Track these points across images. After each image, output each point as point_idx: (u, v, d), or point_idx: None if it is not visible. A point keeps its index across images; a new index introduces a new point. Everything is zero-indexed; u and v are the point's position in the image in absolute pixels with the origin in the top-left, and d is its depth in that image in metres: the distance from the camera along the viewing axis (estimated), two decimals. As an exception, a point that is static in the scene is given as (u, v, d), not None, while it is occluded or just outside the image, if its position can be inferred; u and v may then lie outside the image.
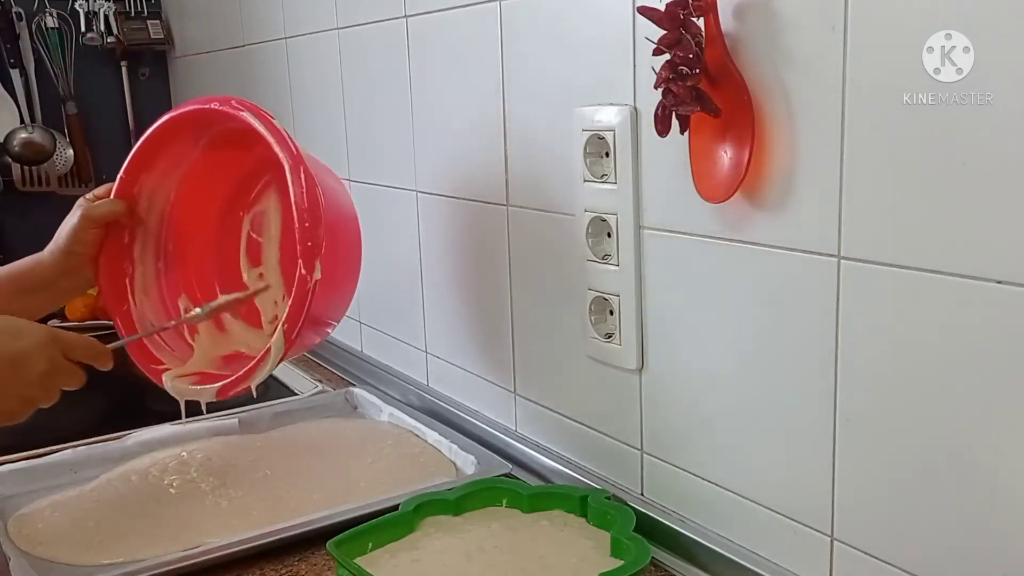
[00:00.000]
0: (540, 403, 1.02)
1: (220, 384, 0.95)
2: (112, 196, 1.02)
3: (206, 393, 0.96)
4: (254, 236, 1.12)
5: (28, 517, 0.94)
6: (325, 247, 0.90)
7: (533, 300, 1.01)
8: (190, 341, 1.06)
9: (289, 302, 0.91)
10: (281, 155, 0.92)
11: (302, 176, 0.91)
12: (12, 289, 1.01)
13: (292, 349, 0.92)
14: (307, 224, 0.90)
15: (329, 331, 1.07)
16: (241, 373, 0.94)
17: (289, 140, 0.94)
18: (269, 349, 0.91)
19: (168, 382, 0.99)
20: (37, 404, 0.86)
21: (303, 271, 0.89)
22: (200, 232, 1.12)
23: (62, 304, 1.09)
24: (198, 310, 1.00)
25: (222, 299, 1.02)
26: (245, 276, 1.12)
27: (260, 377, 0.93)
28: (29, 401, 0.85)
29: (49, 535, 0.90)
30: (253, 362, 0.93)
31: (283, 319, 0.91)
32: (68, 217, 1.01)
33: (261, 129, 0.95)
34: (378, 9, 1.21)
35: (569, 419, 0.98)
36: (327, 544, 0.81)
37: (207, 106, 0.99)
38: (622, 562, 0.78)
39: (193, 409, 1.00)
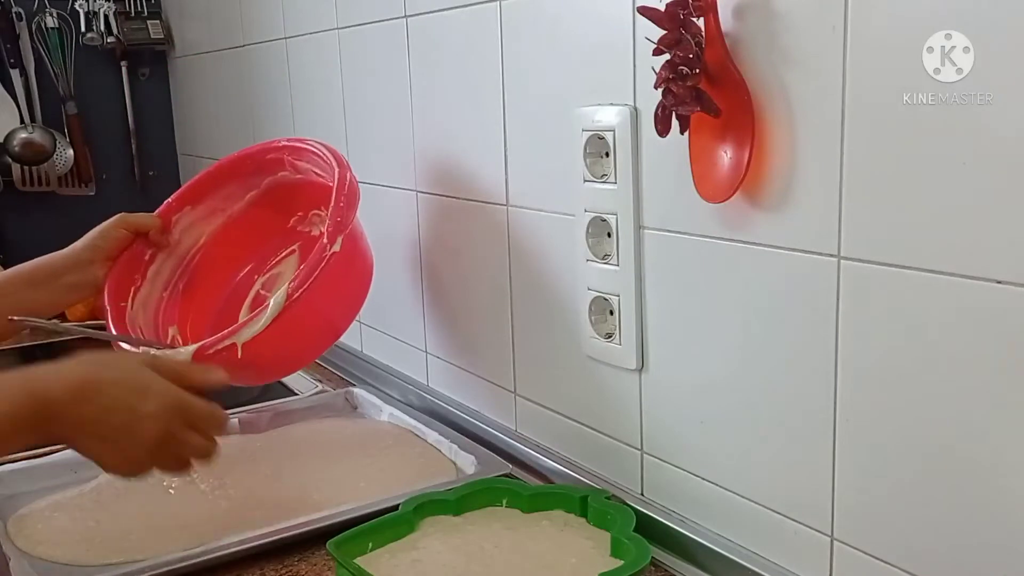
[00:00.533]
0: (540, 403, 1.02)
1: (198, 344, 0.92)
2: (155, 214, 1.09)
3: (182, 354, 0.92)
4: (263, 293, 1.16)
5: (27, 517, 0.94)
6: (346, 242, 0.94)
7: (533, 300, 1.01)
8: None
9: (303, 265, 0.93)
10: (332, 160, 1.01)
11: (348, 176, 0.99)
12: (22, 281, 1.02)
13: (288, 313, 0.90)
14: (342, 204, 0.96)
15: (321, 325, 1.04)
16: (231, 328, 0.92)
17: (342, 157, 1.03)
18: (267, 304, 0.91)
19: (149, 351, 0.97)
20: (148, 469, 0.78)
21: (326, 240, 0.93)
22: (216, 283, 1.16)
23: (68, 303, 1.10)
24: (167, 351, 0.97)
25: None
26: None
27: (251, 332, 0.90)
28: (137, 464, 0.78)
29: (49, 535, 0.91)
30: (248, 318, 0.92)
31: (293, 276, 0.93)
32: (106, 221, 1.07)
33: (320, 148, 1.04)
34: (378, 9, 1.21)
35: (569, 419, 0.98)
36: (327, 544, 0.81)
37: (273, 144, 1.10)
38: (622, 562, 0.78)
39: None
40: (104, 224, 1.06)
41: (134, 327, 1.06)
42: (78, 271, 1.04)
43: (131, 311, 1.07)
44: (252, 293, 1.17)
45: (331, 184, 1.00)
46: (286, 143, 1.10)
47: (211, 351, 0.91)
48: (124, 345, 1.00)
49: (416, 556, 0.82)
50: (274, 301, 0.91)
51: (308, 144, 1.08)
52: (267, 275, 1.18)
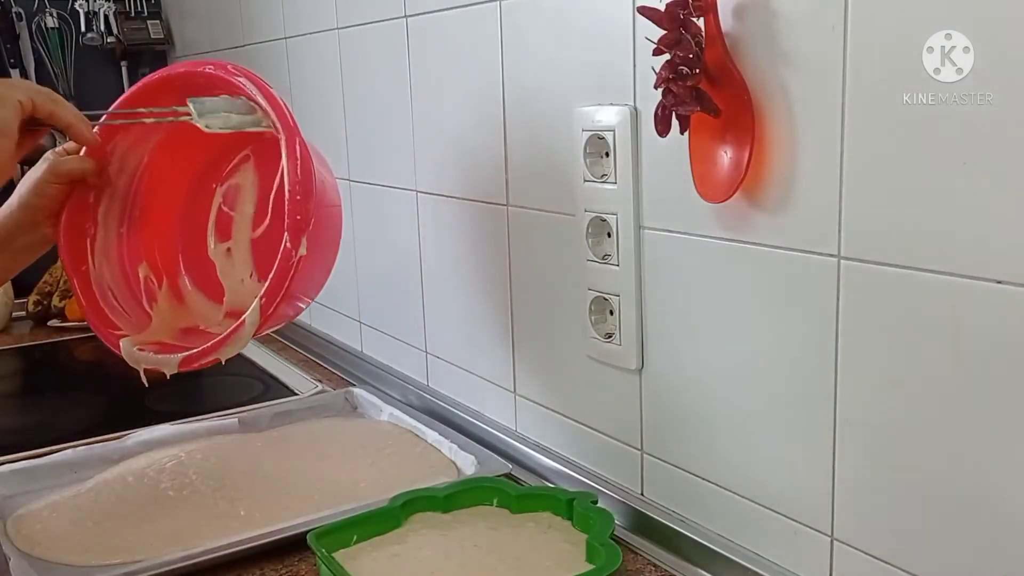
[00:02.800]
0: (540, 403, 1.02)
1: (184, 354, 0.90)
2: (83, 153, 0.96)
3: (169, 363, 0.91)
4: (225, 210, 1.08)
5: (26, 517, 0.94)
6: (312, 225, 0.87)
7: (533, 300, 1.01)
8: (148, 309, 1.02)
9: (271, 276, 0.87)
10: (278, 124, 0.89)
11: (297, 149, 0.87)
12: None
13: (266, 325, 0.89)
14: (298, 198, 0.86)
15: (302, 309, 1.02)
16: (209, 345, 0.89)
17: (287, 111, 0.90)
18: (243, 322, 0.87)
19: (126, 348, 0.94)
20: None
21: (288, 245, 0.86)
22: (168, 200, 1.05)
23: (22, 265, 1.00)
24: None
25: None
26: (212, 249, 1.07)
27: (230, 351, 0.89)
28: None
29: (48, 536, 0.90)
30: (224, 334, 0.89)
31: (262, 293, 0.87)
32: (33, 169, 0.96)
33: (258, 98, 0.90)
34: (378, 9, 1.21)
35: (569, 419, 0.98)
36: (308, 535, 0.81)
37: (199, 69, 0.95)
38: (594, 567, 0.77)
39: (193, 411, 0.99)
40: (35, 179, 0.95)
41: (102, 287, 1.00)
42: (26, 233, 0.96)
43: (95, 270, 1.00)
44: (215, 209, 1.08)
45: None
46: (213, 72, 0.94)
47: (196, 364, 0.90)
48: (126, 347, 0.95)
49: (397, 551, 0.82)
50: (249, 320, 0.87)
51: (240, 84, 0.92)
52: (225, 186, 1.07)
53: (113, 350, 0.95)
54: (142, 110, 0.97)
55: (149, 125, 0.99)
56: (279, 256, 0.86)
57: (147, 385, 0.94)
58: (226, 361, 0.90)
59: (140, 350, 0.94)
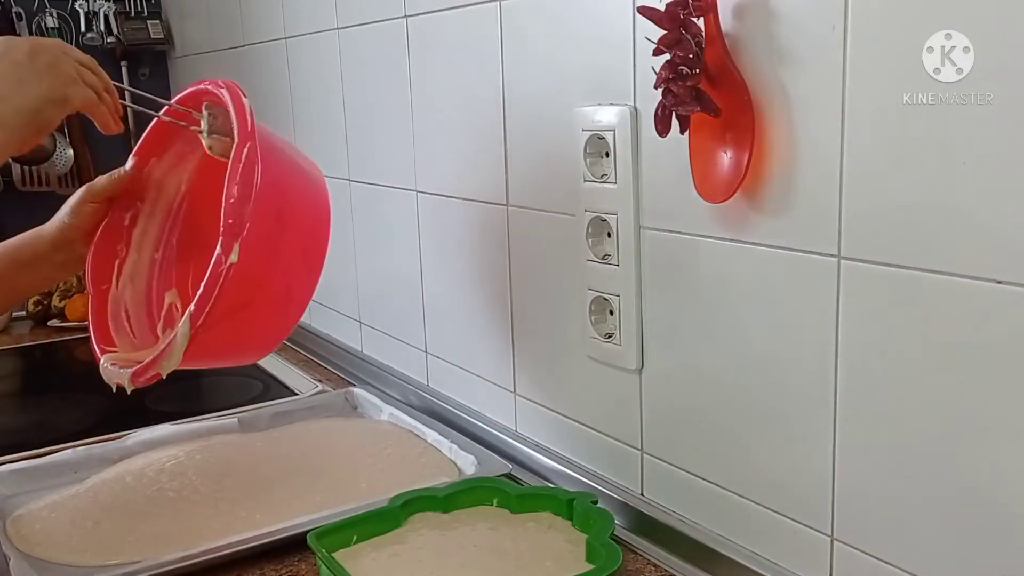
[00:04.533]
0: (540, 403, 1.02)
1: (132, 369, 0.88)
2: (118, 175, 0.99)
3: (123, 377, 0.89)
4: None
5: (26, 517, 0.94)
6: (252, 230, 0.82)
7: (533, 300, 1.01)
8: (159, 333, 1.01)
9: (201, 285, 0.82)
10: (236, 126, 0.86)
11: (244, 153, 0.84)
12: (8, 262, 0.99)
13: (205, 343, 0.84)
14: (232, 201, 0.82)
15: (280, 330, 0.97)
16: (149, 360, 0.87)
17: (249, 116, 0.87)
18: (175, 336, 0.84)
19: (104, 364, 0.93)
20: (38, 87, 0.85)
21: (219, 251, 0.81)
22: (212, 229, 1.01)
23: (58, 280, 1.03)
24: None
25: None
26: None
27: (168, 366, 0.85)
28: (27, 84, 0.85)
29: (47, 536, 0.90)
30: (160, 349, 0.86)
31: (190, 307, 0.83)
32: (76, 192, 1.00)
33: (225, 96, 0.89)
34: (378, 9, 1.21)
35: (569, 419, 0.98)
36: (308, 535, 0.81)
37: (197, 87, 0.95)
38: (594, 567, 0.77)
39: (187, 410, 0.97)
40: (72, 200, 0.99)
41: (117, 307, 1.00)
42: (62, 251, 0.99)
43: (115, 291, 1.00)
44: None
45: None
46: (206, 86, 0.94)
47: (143, 379, 0.87)
48: (103, 363, 0.93)
49: (396, 551, 0.82)
50: (180, 332, 0.83)
51: (206, 88, 0.93)
52: None
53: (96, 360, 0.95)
54: (162, 101, 0.97)
55: (181, 148, 1.01)
56: (211, 265, 0.82)
57: (128, 394, 0.91)
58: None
59: (112, 364, 0.93)
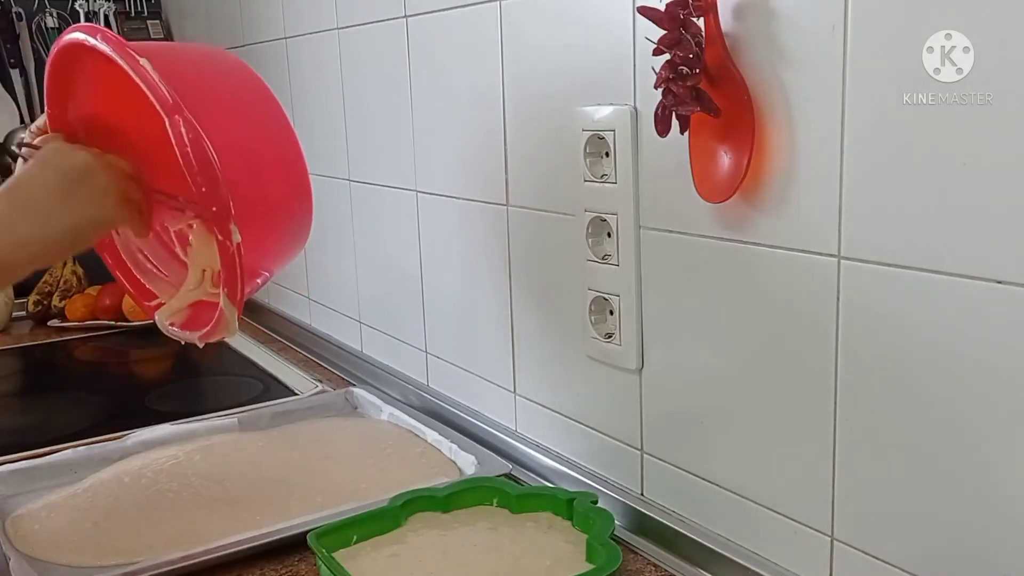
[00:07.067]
0: (540, 403, 1.03)
1: (200, 333, 0.90)
2: (49, 131, 0.93)
3: (192, 338, 0.91)
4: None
5: (25, 518, 0.94)
6: (239, 205, 0.79)
7: (533, 300, 1.01)
8: (183, 257, 0.98)
9: (220, 272, 0.83)
10: (156, 104, 0.78)
11: (184, 132, 0.77)
12: None
13: (244, 299, 0.84)
14: (204, 189, 0.78)
15: (288, 259, 0.96)
16: (209, 328, 0.88)
17: (161, 86, 0.79)
18: (221, 312, 0.84)
19: (165, 325, 0.94)
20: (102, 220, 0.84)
21: (219, 237, 0.79)
22: (130, 117, 0.91)
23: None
24: None
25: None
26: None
27: (229, 333, 0.87)
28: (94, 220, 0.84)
29: (46, 536, 0.90)
30: (213, 321, 0.87)
31: (222, 287, 0.83)
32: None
33: (126, 67, 0.80)
34: (378, 9, 1.21)
35: (569, 419, 0.98)
36: (308, 535, 0.81)
37: (68, 41, 0.86)
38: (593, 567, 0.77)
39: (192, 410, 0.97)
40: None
41: (132, 253, 0.97)
42: None
43: (119, 238, 0.98)
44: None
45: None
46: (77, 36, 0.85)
47: (212, 338, 0.89)
48: (164, 325, 0.94)
49: (396, 551, 0.82)
50: (225, 307, 0.83)
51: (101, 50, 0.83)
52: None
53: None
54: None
55: (86, 82, 0.92)
56: (218, 251, 0.81)
57: (201, 347, 0.93)
58: (226, 361, 0.90)
59: (171, 324, 0.93)
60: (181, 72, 0.84)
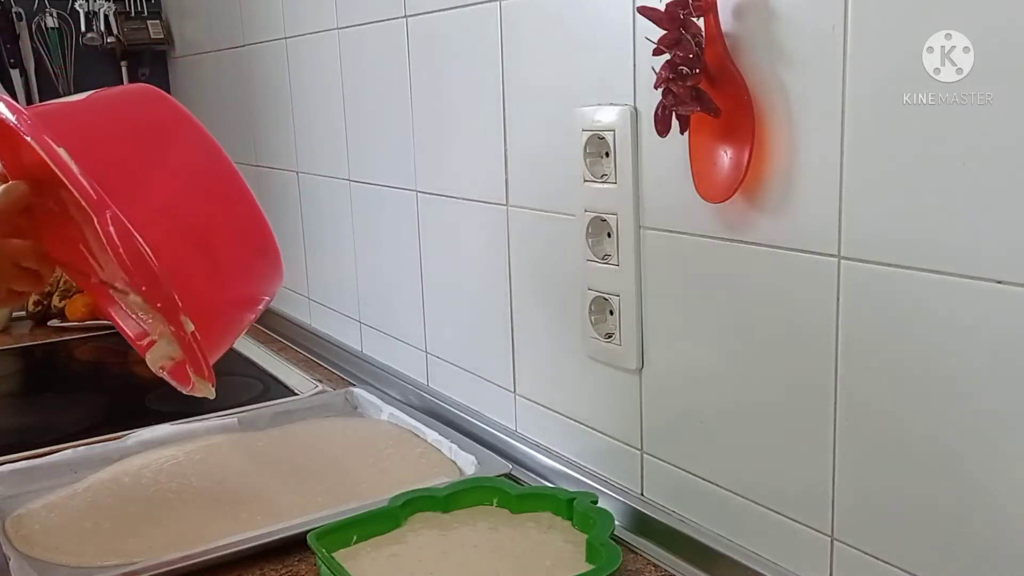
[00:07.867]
0: (540, 403, 1.02)
1: (186, 388, 0.88)
2: (9, 179, 0.87)
3: (180, 387, 0.88)
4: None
5: (25, 518, 0.94)
6: (191, 286, 0.75)
7: (533, 300, 1.01)
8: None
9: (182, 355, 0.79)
10: (82, 200, 0.72)
11: (112, 230, 0.71)
12: None
13: (212, 355, 0.81)
14: (144, 288, 0.74)
15: (262, 304, 0.90)
16: (189, 387, 0.87)
17: (79, 177, 0.72)
18: (195, 383, 0.84)
19: (151, 366, 0.90)
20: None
21: (174, 329, 0.75)
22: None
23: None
24: None
25: None
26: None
27: (208, 395, 0.86)
28: None
29: (47, 536, 0.90)
30: (191, 385, 0.86)
31: (189, 367, 0.80)
32: None
33: (45, 158, 0.73)
34: (378, 9, 1.21)
35: (569, 419, 0.98)
36: (308, 535, 0.81)
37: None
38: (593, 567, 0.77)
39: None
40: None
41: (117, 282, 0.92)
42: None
43: (103, 271, 0.91)
44: None
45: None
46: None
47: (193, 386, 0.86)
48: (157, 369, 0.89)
49: (396, 551, 0.82)
50: (197, 383, 0.83)
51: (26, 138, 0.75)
52: None
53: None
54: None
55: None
56: (176, 340, 0.78)
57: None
58: (226, 361, 0.89)
59: (161, 368, 0.90)
60: (102, 148, 0.77)
